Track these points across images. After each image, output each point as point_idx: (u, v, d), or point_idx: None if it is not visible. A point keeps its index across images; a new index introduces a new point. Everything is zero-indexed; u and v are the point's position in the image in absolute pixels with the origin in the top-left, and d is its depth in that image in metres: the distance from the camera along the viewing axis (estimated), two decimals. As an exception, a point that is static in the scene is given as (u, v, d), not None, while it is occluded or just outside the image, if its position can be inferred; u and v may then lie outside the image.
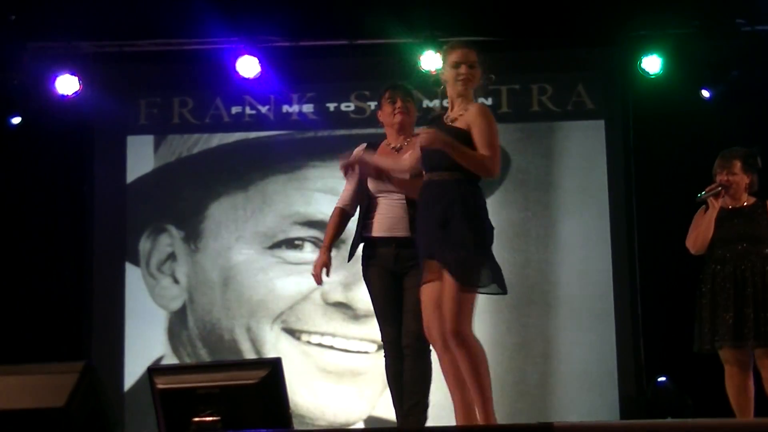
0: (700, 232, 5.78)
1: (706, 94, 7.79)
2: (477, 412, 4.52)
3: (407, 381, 5.00)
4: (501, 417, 7.40)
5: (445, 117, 4.71)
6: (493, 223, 4.62)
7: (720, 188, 5.76)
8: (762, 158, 5.87)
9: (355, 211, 5.31)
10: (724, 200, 5.79)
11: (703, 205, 5.84)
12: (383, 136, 5.36)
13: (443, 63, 4.76)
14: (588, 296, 7.83)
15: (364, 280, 5.26)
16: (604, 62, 8.15)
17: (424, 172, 4.69)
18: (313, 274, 5.23)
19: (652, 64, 7.78)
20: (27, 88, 8.01)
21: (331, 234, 5.27)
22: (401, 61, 7.80)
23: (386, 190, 5.10)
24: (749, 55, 7.67)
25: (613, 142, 7.99)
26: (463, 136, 4.53)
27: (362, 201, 5.21)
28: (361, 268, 5.29)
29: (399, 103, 5.18)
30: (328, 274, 5.21)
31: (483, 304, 5.06)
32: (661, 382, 7.55)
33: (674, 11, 7.65)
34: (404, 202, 5.08)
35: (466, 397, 4.55)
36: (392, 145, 5.21)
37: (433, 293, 4.56)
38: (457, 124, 4.60)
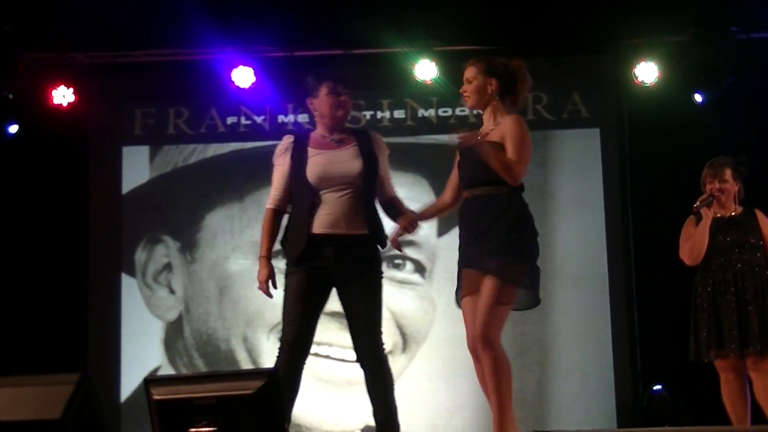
0: (695, 243, 5.76)
1: (698, 98, 7.80)
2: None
3: (372, 396, 4.94)
4: (498, 426, 7.42)
5: (478, 133, 4.78)
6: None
7: (711, 198, 5.76)
8: (749, 166, 5.88)
9: (287, 207, 5.09)
10: (713, 209, 5.79)
11: (692, 216, 5.84)
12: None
13: None
14: (584, 304, 7.82)
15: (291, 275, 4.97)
16: (598, 70, 8.16)
17: (463, 190, 4.78)
18: (260, 290, 4.99)
19: (646, 71, 7.80)
20: (22, 99, 8.01)
21: (267, 242, 5.05)
22: (396, 70, 7.82)
23: (331, 183, 4.89)
24: (744, 63, 7.68)
25: (608, 149, 7.99)
26: (498, 149, 4.62)
27: (305, 198, 4.94)
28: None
29: (343, 96, 5.03)
30: (275, 286, 4.99)
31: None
32: (657, 390, 7.54)
33: (669, 19, 7.67)
34: (352, 196, 4.88)
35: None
36: (330, 138, 5.02)
37: (474, 305, 4.59)
38: (491, 138, 4.68)
